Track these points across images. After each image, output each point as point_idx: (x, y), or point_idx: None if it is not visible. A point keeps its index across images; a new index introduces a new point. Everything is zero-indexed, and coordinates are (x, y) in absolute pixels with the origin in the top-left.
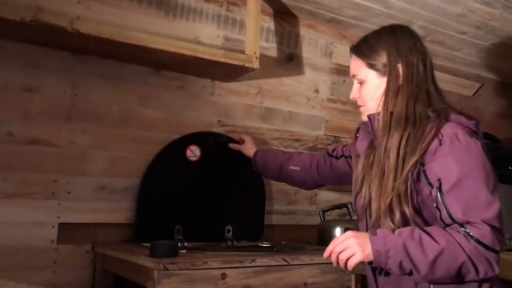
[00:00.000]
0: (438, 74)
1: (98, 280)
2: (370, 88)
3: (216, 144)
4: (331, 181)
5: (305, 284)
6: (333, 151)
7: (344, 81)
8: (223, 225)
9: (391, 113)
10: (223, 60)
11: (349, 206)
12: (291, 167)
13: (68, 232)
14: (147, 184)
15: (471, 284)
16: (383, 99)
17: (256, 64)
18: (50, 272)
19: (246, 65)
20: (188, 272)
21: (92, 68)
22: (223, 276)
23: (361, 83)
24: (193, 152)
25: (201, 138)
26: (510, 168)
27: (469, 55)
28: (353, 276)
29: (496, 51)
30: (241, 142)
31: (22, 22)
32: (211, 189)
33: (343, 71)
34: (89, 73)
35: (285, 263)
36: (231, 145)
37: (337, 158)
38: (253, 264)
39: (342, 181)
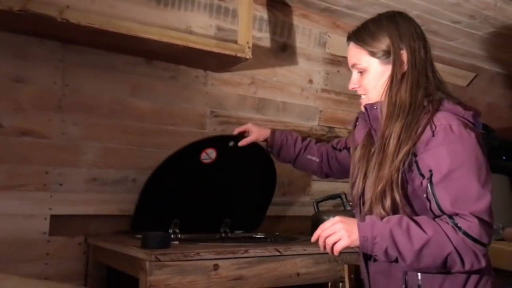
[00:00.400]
0: None
1: (91, 271)
2: (373, 76)
3: (236, 147)
4: (339, 174)
5: (298, 274)
6: (337, 143)
7: (338, 71)
8: (223, 217)
9: (395, 101)
10: (215, 50)
11: (343, 196)
12: (309, 157)
13: (60, 224)
14: (154, 180)
15: (459, 275)
16: (387, 87)
17: (248, 54)
18: (43, 264)
19: (239, 55)
20: (180, 263)
21: (83, 58)
22: (216, 267)
23: (362, 72)
24: (209, 155)
25: (218, 141)
26: (504, 158)
27: (464, 45)
28: (346, 266)
29: (490, 41)
30: (246, 134)
31: (11, 12)
32: (216, 183)
33: (337, 61)
34: (79, 63)
35: (278, 253)
36: (243, 142)
37: (340, 150)
38: (245, 255)
39: (348, 174)
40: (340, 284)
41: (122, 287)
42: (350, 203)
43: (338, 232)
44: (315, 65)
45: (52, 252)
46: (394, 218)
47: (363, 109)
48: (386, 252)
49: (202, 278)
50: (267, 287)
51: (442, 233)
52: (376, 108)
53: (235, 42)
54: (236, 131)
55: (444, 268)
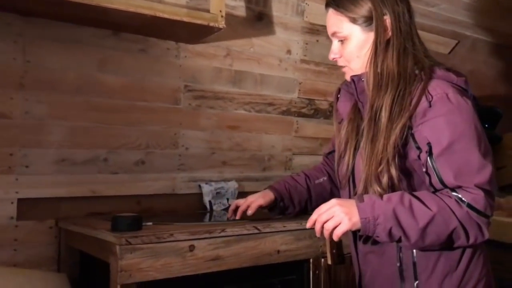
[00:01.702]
0: None
1: (64, 257)
2: (355, 45)
3: None
4: None
5: (278, 251)
6: (327, 150)
7: (317, 40)
8: None
9: (381, 70)
10: (186, 19)
11: None
12: (317, 181)
13: (28, 207)
14: None
15: (454, 251)
16: (371, 56)
17: (222, 24)
18: (11, 251)
19: (211, 24)
20: (153, 246)
21: (45, 31)
22: (191, 247)
23: (343, 40)
24: None
25: None
26: (486, 126)
27: (445, 11)
28: (327, 241)
29: (473, 6)
30: (249, 211)
31: None
32: None
33: (316, 30)
34: (41, 37)
35: (256, 231)
36: (250, 211)
37: (332, 153)
38: (222, 234)
39: None
40: (322, 260)
41: (97, 272)
42: (321, 180)
43: (336, 216)
44: (293, 34)
45: (21, 238)
46: (395, 195)
47: (349, 79)
48: (389, 232)
49: (177, 260)
50: (246, 267)
51: (446, 207)
52: (363, 80)
53: (208, 11)
54: (238, 215)
55: (447, 244)
